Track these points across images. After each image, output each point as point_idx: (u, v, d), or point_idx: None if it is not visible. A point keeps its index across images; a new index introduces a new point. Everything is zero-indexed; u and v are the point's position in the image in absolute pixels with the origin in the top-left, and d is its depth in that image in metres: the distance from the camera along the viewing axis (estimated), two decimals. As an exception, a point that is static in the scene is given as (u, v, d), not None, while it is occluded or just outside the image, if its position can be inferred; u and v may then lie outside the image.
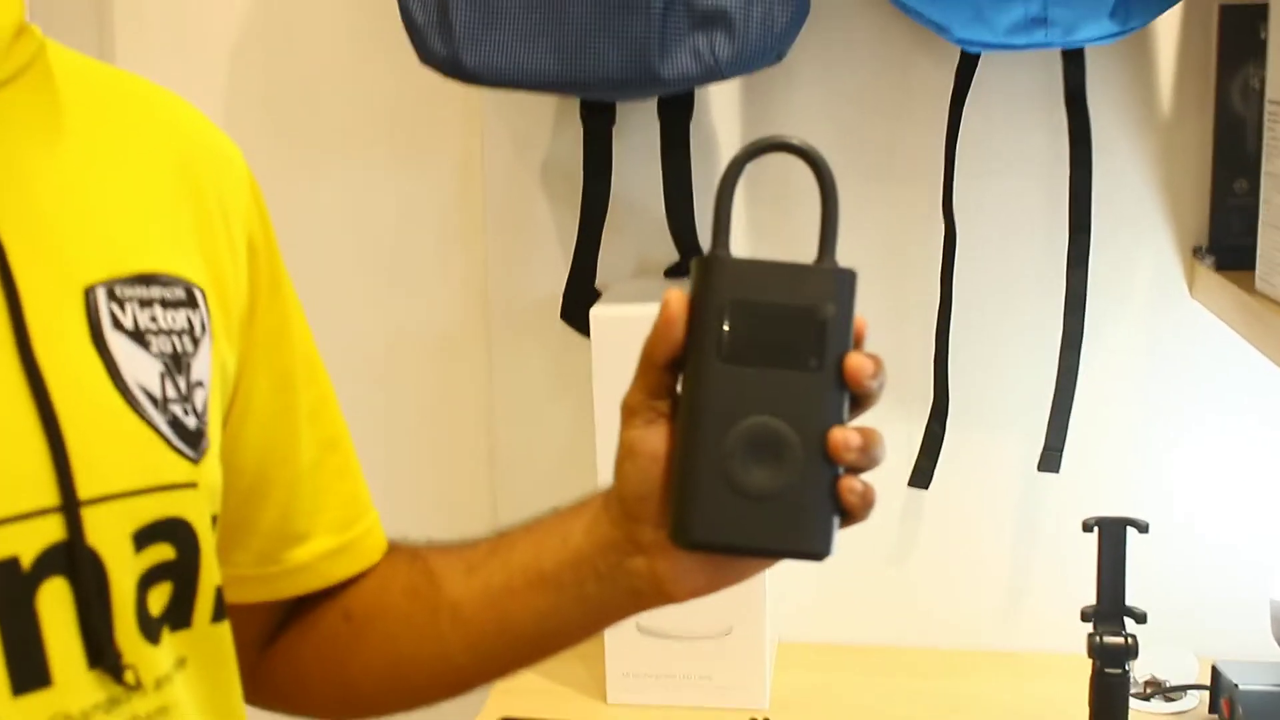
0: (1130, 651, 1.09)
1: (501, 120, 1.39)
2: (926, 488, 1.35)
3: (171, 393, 0.66)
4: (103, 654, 0.61)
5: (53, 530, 0.60)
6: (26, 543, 0.59)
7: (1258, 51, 1.23)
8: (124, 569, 0.62)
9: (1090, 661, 1.11)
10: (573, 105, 1.35)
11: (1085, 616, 1.11)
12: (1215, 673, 1.23)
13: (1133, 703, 1.22)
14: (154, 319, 0.66)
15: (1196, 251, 1.31)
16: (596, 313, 1.26)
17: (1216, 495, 1.35)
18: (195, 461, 0.66)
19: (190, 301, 0.68)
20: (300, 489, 0.78)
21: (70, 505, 0.60)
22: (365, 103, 1.43)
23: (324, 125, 1.44)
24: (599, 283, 1.38)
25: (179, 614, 0.66)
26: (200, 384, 0.68)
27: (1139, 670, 1.29)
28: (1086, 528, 1.11)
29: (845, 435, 0.65)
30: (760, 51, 1.18)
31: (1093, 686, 1.11)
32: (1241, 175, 1.26)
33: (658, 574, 0.70)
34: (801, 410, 0.65)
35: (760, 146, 0.68)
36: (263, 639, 0.83)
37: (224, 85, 1.44)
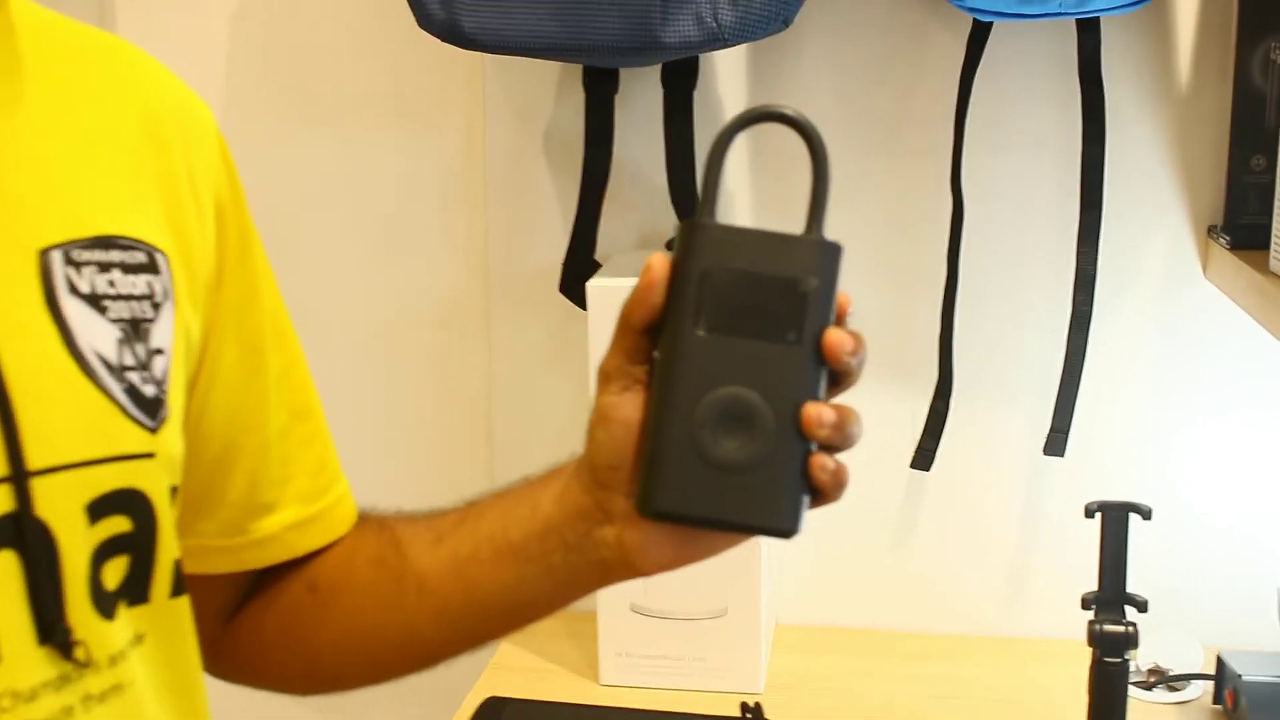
0: (1130, 640, 1.07)
1: (503, 88, 1.37)
2: (928, 469, 1.33)
3: (129, 360, 0.63)
4: (52, 630, 0.59)
5: (0, 501, 0.58)
6: None
7: (1279, 23, 1.20)
8: (76, 542, 0.60)
9: (1090, 650, 1.09)
10: (575, 72, 1.33)
11: (1085, 604, 1.09)
12: (1220, 663, 1.21)
13: (1135, 692, 1.21)
14: (112, 284, 0.63)
15: (1211, 230, 1.29)
16: (593, 285, 1.24)
17: (1226, 481, 1.34)
18: (153, 431, 0.64)
19: (151, 266, 0.66)
20: (268, 458, 0.76)
21: (19, 476, 0.58)
22: (366, 70, 1.41)
23: (325, 93, 1.43)
24: (600, 254, 1.36)
25: (136, 588, 0.64)
26: (160, 351, 0.65)
27: (1143, 658, 1.27)
28: (1088, 513, 1.09)
29: (819, 411, 0.63)
30: (766, 17, 1.16)
31: (1092, 675, 1.09)
32: (1259, 152, 1.24)
33: (625, 545, 0.68)
34: (776, 383, 0.64)
35: (751, 116, 0.67)
36: (227, 611, 0.81)
37: (225, 53, 1.43)
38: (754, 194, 1.35)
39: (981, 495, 1.37)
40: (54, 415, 0.60)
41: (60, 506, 0.60)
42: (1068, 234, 1.29)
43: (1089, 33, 1.23)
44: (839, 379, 0.65)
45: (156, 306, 0.66)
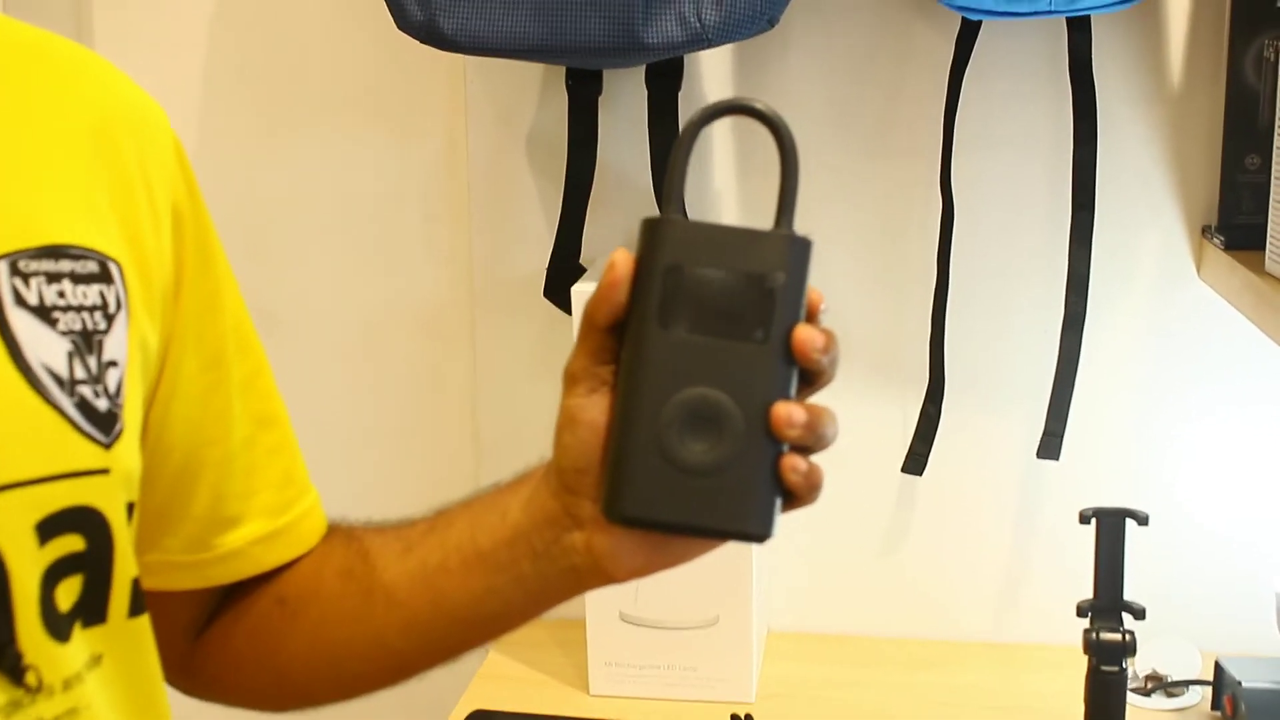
0: (1128, 649, 1.05)
1: (485, 90, 1.36)
2: (920, 474, 1.32)
3: (80, 373, 0.61)
4: (2, 654, 0.57)
5: None
6: None
7: (1272, 20, 1.20)
8: (26, 562, 0.58)
9: (1086, 657, 1.07)
10: (559, 74, 1.32)
11: (1081, 612, 1.07)
12: (1218, 669, 1.20)
13: (1133, 698, 1.20)
14: (62, 294, 0.61)
15: (1205, 230, 1.27)
16: (578, 289, 1.23)
17: (1222, 484, 1.32)
18: (107, 446, 0.62)
19: (104, 275, 0.64)
20: (232, 470, 0.74)
21: None
22: (346, 74, 1.40)
23: (304, 98, 1.41)
24: (585, 258, 1.34)
25: (92, 609, 0.62)
26: (114, 363, 0.63)
27: (1140, 664, 1.26)
28: (1084, 519, 1.07)
29: (789, 410, 0.61)
30: (750, 17, 1.14)
31: (1088, 684, 1.07)
32: (1253, 150, 1.23)
33: (595, 551, 0.66)
34: (745, 383, 0.62)
35: (716, 110, 0.64)
36: (195, 626, 0.79)
37: (203, 57, 1.41)
38: (740, 194, 1.34)
39: (975, 499, 1.36)
40: (0, 432, 0.58)
41: (8, 526, 0.58)
42: (1060, 235, 1.27)
43: (1080, 31, 1.22)
44: (812, 378, 0.63)
45: (109, 317, 0.64)
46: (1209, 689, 1.22)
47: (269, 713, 0.82)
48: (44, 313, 0.61)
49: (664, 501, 0.62)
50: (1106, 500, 1.10)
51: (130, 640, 0.65)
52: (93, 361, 0.62)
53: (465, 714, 1.24)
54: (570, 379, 0.65)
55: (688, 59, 1.30)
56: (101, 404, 0.62)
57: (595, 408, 0.64)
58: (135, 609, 0.65)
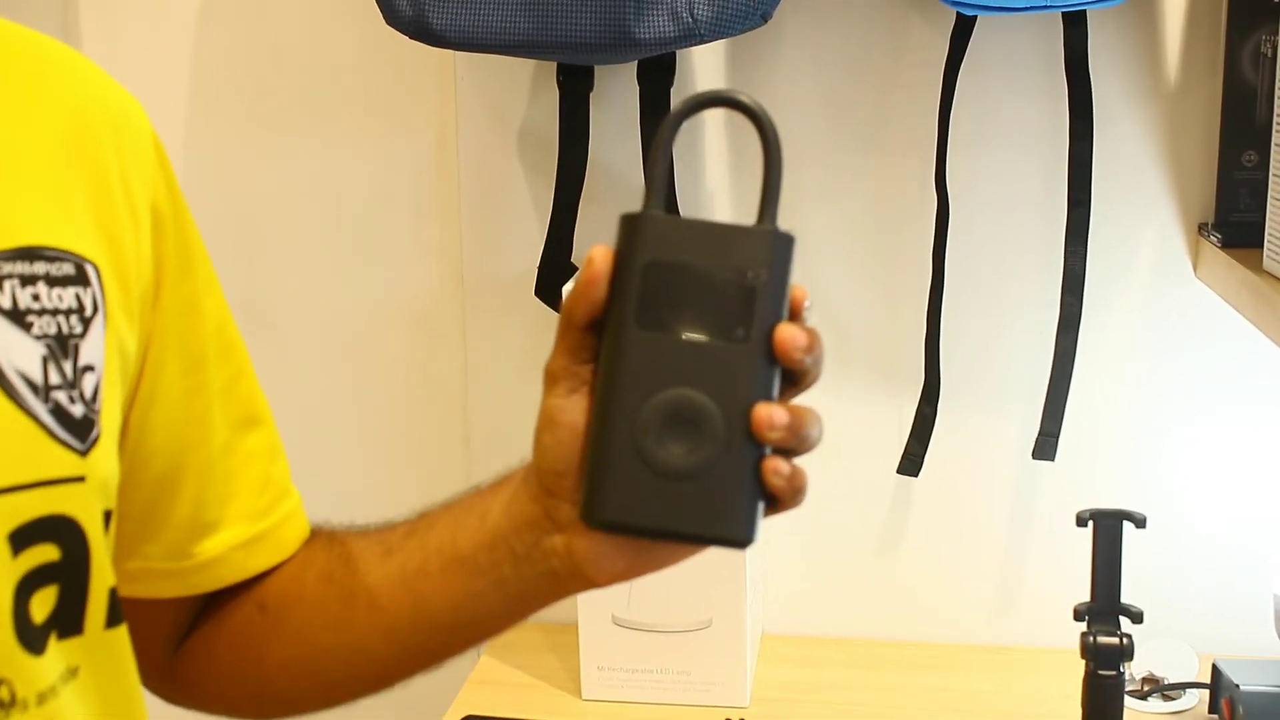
0: (1125, 653, 1.04)
1: (476, 87, 1.35)
2: (916, 475, 1.31)
3: (55, 378, 0.60)
4: None
5: None
6: None
7: (1270, 15, 1.18)
8: None
9: (1083, 661, 1.06)
10: (550, 70, 1.31)
11: (1078, 615, 1.06)
12: (1216, 671, 1.19)
13: (1130, 701, 1.19)
14: (37, 297, 0.60)
15: (1202, 228, 1.26)
16: (569, 288, 1.21)
17: (1219, 485, 1.32)
18: (82, 453, 0.60)
19: (80, 278, 0.62)
20: (212, 475, 0.73)
21: None
22: (335, 72, 1.39)
23: (293, 95, 1.40)
24: (577, 257, 1.33)
25: (68, 620, 0.61)
26: (91, 368, 0.62)
27: (1137, 667, 1.25)
28: (1080, 522, 1.06)
29: (770, 412, 0.59)
30: (743, 12, 1.13)
31: (1085, 688, 1.06)
32: (1251, 147, 1.22)
33: (575, 554, 0.64)
34: (725, 383, 0.60)
35: (699, 101, 0.62)
36: (178, 634, 0.78)
37: (191, 56, 1.40)
38: (733, 191, 1.33)
39: (970, 501, 1.35)
40: None
41: None
42: (1055, 232, 1.26)
43: (1075, 26, 1.21)
44: (796, 378, 0.62)
45: (86, 321, 0.62)
46: (1206, 692, 1.21)
47: None
48: (18, 316, 0.59)
49: (643, 506, 0.60)
50: (1102, 501, 1.09)
51: (108, 651, 0.63)
52: (68, 366, 0.61)
53: (457, 719, 1.23)
54: (550, 378, 0.63)
55: (680, 54, 1.28)
56: (77, 410, 0.61)
57: (575, 409, 0.62)
58: (113, 619, 0.64)
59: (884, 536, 1.37)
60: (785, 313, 0.61)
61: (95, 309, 0.63)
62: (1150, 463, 1.31)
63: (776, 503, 0.61)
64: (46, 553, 0.59)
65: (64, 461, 0.60)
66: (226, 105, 1.40)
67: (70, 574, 0.60)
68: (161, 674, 0.78)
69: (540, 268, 1.33)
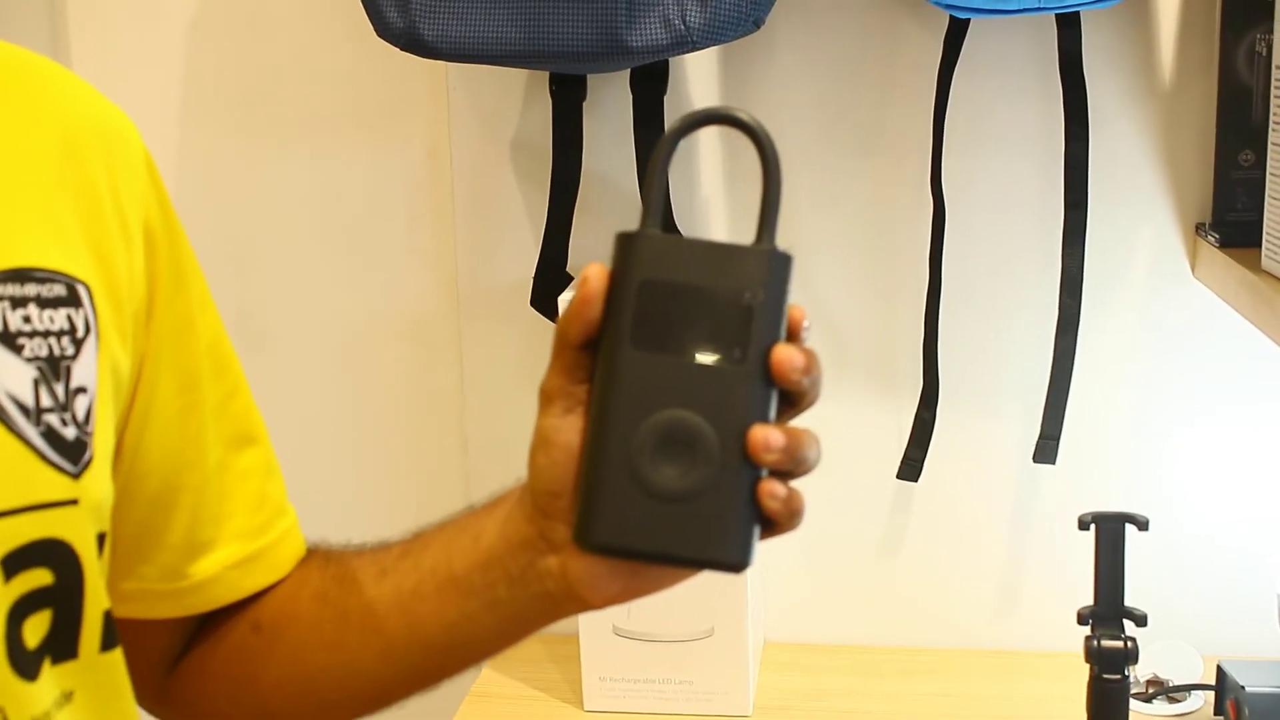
0: (1130, 656, 1.04)
1: (468, 97, 1.34)
2: (916, 480, 1.30)
3: (47, 401, 0.59)
4: None
5: None
6: None
7: (1265, 14, 1.18)
8: None
9: (1087, 665, 1.06)
10: (542, 79, 1.30)
11: (1082, 619, 1.05)
12: (1220, 673, 1.18)
13: (1134, 704, 1.19)
14: (28, 319, 0.59)
15: (1199, 228, 1.26)
16: (565, 299, 1.21)
17: (1221, 486, 1.31)
18: (75, 476, 0.60)
19: (71, 299, 0.62)
20: (206, 495, 0.72)
21: None
22: (327, 84, 1.38)
23: (286, 108, 1.40)
24: (572, 266, 1.32)
25: (62, 644, 0.60)
26: (83, 390, 0.61)
27: (1141, 669, 1.25)
28: (1083, 525, 1.05)
29: (766, 434, 0.58)
30: (736, 18, 1.13)
31: (1090, 693, 1.06)
32: (1247, 146, 1.21)
33: (570, 576, 0.64)
34: (721, 405, 0.59)
35: (698, 119, 0.62)
36: (173, 655, 0.77)
37: (182, 68, 1.40)
38: (728, 202, 1.32)
39: (971, 505, 1.34)
40: None
41: None
42: (1052, 235, 1.26)
43: (1069, 28, 1.20)
44: (794, 400, 0.61)
45: (78, 342, 0.62)
46: (1211, 694, 1.21)
47: None
48: (8, 339, 0.59)
49: (637, 529, 0.59)
50: (1104, 504, 1.09)
51: (102, 675, 0.63)
52: (60, 389, 0.60)
53: (457, 732, 1.23)
54: (545, 398, 0.63)
55: (673, 62, 1.28)
56: (69, 432, 0.60)
57: (570, 429, 0.61)
58: (107, 643, 0.63)
59: (885, 542, 1.36)
60: (783, 333, 0.60)
61: (87, 330, 0.62)
62: (1151, 464, 1.31)
63: (773, 526, 0.60)
64: (39, 577, 0.59)
65: (56, 485, 0.59)
66: (218, 118, 1.40)
67: (64, 598, 0.60)
68: (157, 695, 0.77)
69: (535, 278, 1.32)
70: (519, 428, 1.42)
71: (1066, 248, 1.24)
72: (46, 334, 0.60)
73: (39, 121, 0.65)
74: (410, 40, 1.16)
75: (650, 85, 1.27)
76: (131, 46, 1.40)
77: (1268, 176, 1.04)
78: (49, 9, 1.39)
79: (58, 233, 0.63)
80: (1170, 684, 1.24)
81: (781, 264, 0.60)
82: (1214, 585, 1.31)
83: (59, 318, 0.61)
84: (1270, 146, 1.03)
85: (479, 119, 1.35)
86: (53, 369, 0.60)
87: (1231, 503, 1.31)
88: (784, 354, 0.59)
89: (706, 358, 0.59)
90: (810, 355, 0.60)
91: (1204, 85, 1.24)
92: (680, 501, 0.59)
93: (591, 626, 1.26)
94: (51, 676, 0.60)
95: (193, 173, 1.40)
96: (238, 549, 0.74)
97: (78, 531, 0.60)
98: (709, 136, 1.31)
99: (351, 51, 1.36)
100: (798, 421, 0.61)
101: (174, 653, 0.77)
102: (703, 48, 1.14)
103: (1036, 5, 1.11)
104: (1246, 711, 1.13)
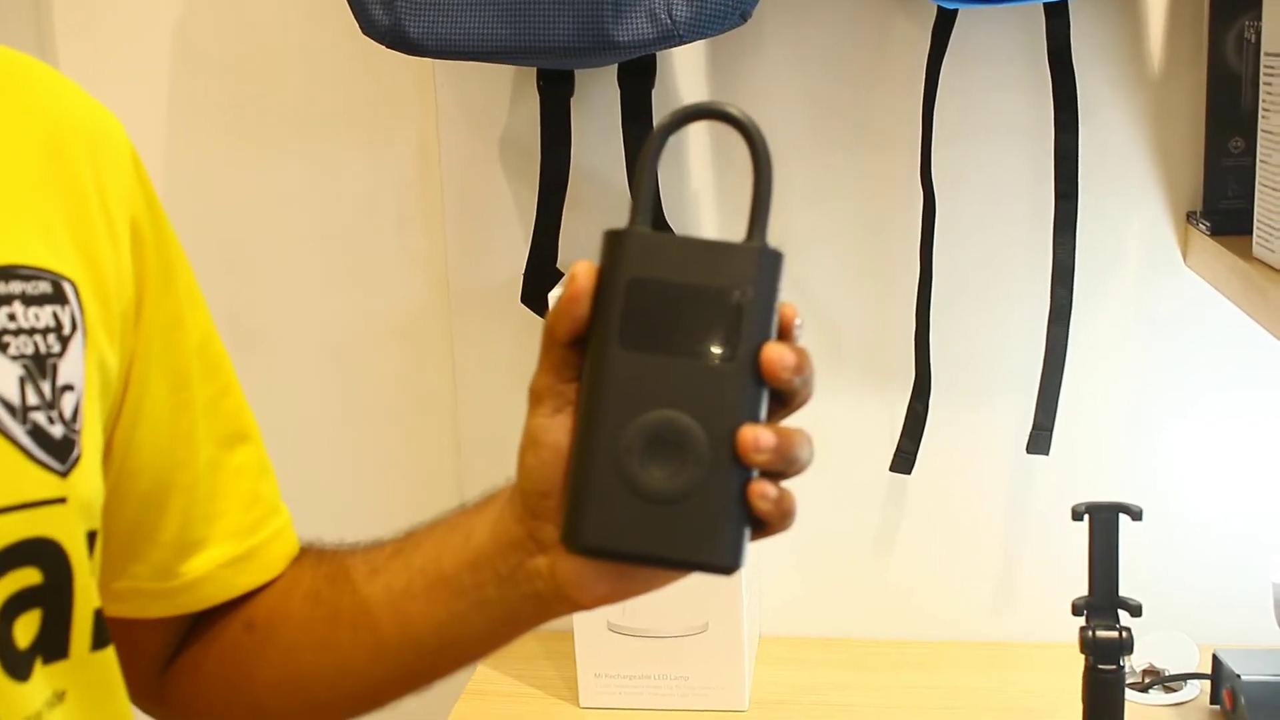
0: (1125, 646, 1.03)
1: (455, 94, 1.34)
2: (909, 473, 1.30)
3: (33, 399, 0.59)
4: None
5: None
6: None
7: (1252, 1, 1.17)
8: None
9: (1082, 656, 1.05)
10: (530, 76, 1.30)
11: (1076, 609, 1.05)
12: (1216, 662, 1.18)
13: (1131, 693, 1.19)
14: (13, 317, 0.59)
15: (1190, 216, 1.26)
16: (555, 295, 1.20)
17: (1215, 474, 1.31)
18: (63, 474, 0.59)
19: (58, 296, 0.61)
20: (197, 494, 0.72)
21: None
22: (314, 83, 1.38)
23: (272, 108, 1.39)
24: (562, 262, 1.32)
25: (53, 644, 0.60)
26: (70, 387, 0.61)
27: (1137, 659, 1.25)
28: (1076, 515, 1.05)
29: (756, 434, 0.58)
30: (722, 12, 1.12)
31: (1085, 683, 1.05)
32: (1237, 134, 1.21)
33: (559, 577, 0.63)
34: (710, 405, 0.58)
35: (685, 115, 0.61)
36: (166, 654, 0.77)
37: (169, 71, 1.39)
38: (718, 197, 1.32)
39: (965, 497, 1.34)
40: None
41: None
42: (1043, 225, 1.25)
43: (1058, 17, 1.20)
44: (785, 399, 0.60)
45: (64, 340, 0.61)
46: (1207, 683, 1.21)
47: None
48: None
49: (625, 531, 0.58)
50: (1098, 494, 1.08)
51: (94, 674, 0.62)
52: (46, 386, 0.60)
53: (453, 731, 1.22)
54: (535, 397, 0.62)
55: (660, 56, 1.28)
56: (56, 430, 0.60)
57: (559, 429, 0.61)
58: (99, 641, 0.63)
59: (878, 535, 1.36)
60: (773, 332, 0.59)
61: (74, 327, 0.62)
62: (1145, 454, 1.31)
63: (764, 527, 0.60)
64: (28, 576, 0.58)
65: (44, 483, 0.59)
66: (205, 120, 1.39)
67: (53, 597, 0.59)
68: (150, 694, 0.77)
69: (526, 274, 1.32)
70: (512, 425, 1.42)
71: (1058, 238, 1.24)
72: (32, 331, 0.60)
73: (23, 119, 0.64)
74: (396, 38, 1.16)
75: (638, 80, 1.26)
76: (118, 49, 1.39)
77: (1258, 164, 1.03)
78: (35, 13, 1.38)
79: (43, 230, 0.62)
80: (1166, 673, 1.24)
81: (772, 261, 0.60)
82: (1209, 574, 1.31)
83: (45, 315, 0.60)
84: (1260, 134, 1.03)
85: (467, 116, 1.34)
86: (39, 367, 0.60)
87: (1225, 491, 1.30)
88: (774, 353, 0.58)
89: (696, 357, 0.58)
90: (801, 354, 0.59)
91: (1193, 73, 1.24)
92: (669, 503, 0.58)
93: (586, 623, 1.26)
94: (43, 676, 0.59)
95: (181, 174, 1.39)
96: (230, 548, 0.73)
97: (66, 530, 0.60)
98: (698, 131, 1.31)
99: (338, 51, 1.35)
100: (790, 421, 0.60)
101: (167, 652, 0.77)
102: (689, 41, 1.13)
103: (1024, -5, 1.12)
104: (1242, 700, 1.13)
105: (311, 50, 1.37)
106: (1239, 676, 1.14)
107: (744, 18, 1.14)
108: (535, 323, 1.32)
